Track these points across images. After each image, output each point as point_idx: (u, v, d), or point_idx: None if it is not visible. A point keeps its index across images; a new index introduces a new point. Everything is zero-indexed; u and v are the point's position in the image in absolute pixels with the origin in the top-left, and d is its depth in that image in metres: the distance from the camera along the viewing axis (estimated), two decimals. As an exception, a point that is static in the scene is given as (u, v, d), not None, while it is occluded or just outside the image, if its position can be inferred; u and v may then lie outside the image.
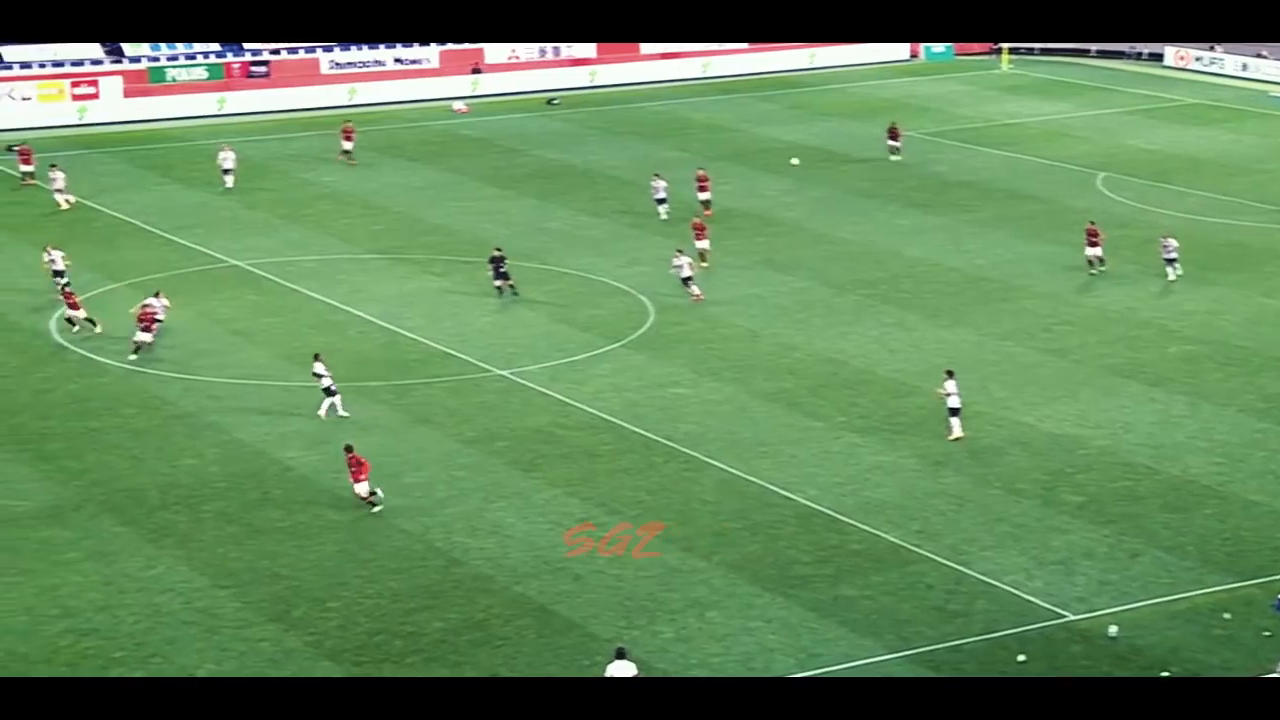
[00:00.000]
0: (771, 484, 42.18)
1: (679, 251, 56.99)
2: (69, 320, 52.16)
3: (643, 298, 57.14)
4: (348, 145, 76.35)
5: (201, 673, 33.06)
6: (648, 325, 54.56)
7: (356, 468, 40.31)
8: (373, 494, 40.32)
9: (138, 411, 46.61)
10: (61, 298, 52.90)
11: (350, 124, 77.99)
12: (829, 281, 59.36)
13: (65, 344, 52.07)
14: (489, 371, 50.15)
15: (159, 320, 51.31)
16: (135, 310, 51.22)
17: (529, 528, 39.66)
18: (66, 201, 67.55)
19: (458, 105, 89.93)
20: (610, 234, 65.38)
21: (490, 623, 35.20)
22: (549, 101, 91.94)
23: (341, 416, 45.70)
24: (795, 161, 68.06)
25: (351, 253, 63.01)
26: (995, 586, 36.85)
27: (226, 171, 71.69)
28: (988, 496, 41.53)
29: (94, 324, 52.32)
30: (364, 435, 44.99)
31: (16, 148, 73.86)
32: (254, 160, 76.16)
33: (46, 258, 56.28)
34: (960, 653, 34.03)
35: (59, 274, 55.59)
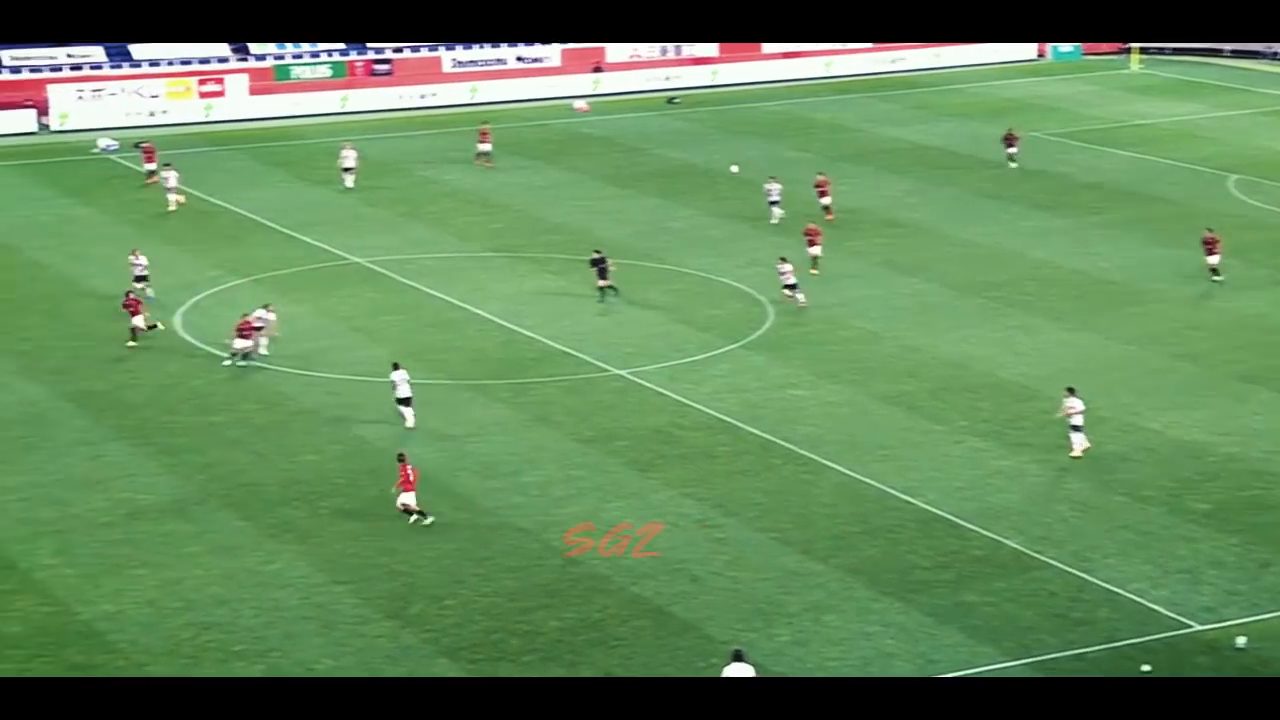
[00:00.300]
0: (891, 488, 41.96)
1: (782, 259, 56.54)
2: (133, 330, 51.66)
3: (762, 299, 57.05)
4: (485, 148, 76.03)
5: (319, 667, 33.46)
6: (767, 326, 54.48)
7: (405, 477, 39.81)
8: (419, 511, 39.45)
9: (259, 407, 47.21)
10: (125, 306, 52.16)
11: (487, 126, 77.73)
12: (951, 283, 58.94)
13: (190, 339, 52.89)
14: (607, 371, 50.31)
15: (257, 329, 50.86)
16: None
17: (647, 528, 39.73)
18: (177, 201, 68.00)
19: (579, 104, 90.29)
20: (730, 234, 65.34)
21: (607, 623, 35.31)
22: (670, 100, 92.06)
23: (408, 429, 45.16)
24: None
25: (471, 251, 63.48)
26: (1119, 595, 36.41)
27: (347, 170, 72.35)
28: (1112, 503, 41.03)
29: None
30: (482, 434, 45.35)
31: (142, 145, 75.07)
32: (375, 158, 76.91)
33: (133, 260, 56.17)
34: (1082, 661, 33.66)
35: (141, 278, 55.42)
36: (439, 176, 74.95)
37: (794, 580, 37.16)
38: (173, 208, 67.75)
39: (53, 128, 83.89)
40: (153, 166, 72.27)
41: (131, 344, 51.43)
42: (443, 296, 57.55)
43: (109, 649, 34.06)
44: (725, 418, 46.56)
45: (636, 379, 49.63)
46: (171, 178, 68.64)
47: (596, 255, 57.50)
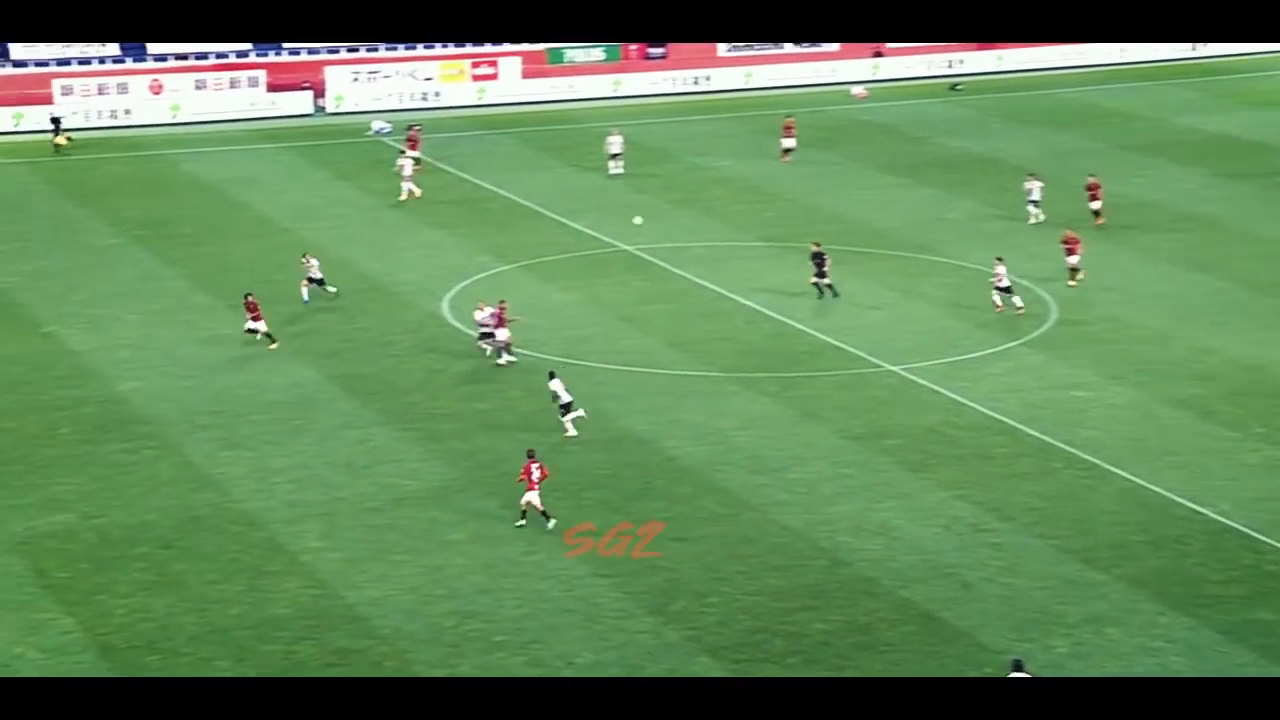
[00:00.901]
0: (1179, 496, 40.95)
1: (998, 260, 55.16)
2: (250, 331, 51.22)
3: (1044, 294, 56.12)
4: (789, 143, 74.88)
5: (580, 661, 33.93)
6: (1049, 324, 53.58)
7: (530, 476, 39.43)
8: (541, 512, 39.21)
9: (524, 395, 47.94)
10: (247, 309, 51.33)
11: (792, 120, 76.34)
12: (1250, 282, 57.24)
13: (457, 325, 53.98)
14: (879, 366, 50.01)
15: (506, 320, 50.95)
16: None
17: (917, 530, 39.43)
18: (410, 193, 68.60)
19: (857, 90, 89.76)
20: (1012, 227, 64.36)
21: (874, 626, 35.14)
22: (953, 87, 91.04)
23: (569, 435, 44.58)
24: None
25: (742, 240, 63.63)
26: None
27: (614, 156, 72.85)
28: None
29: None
30: (749, 428, 45.46)
31: (411, 129, 76.65)
32: (647, 144, 77.53)
33: (305, 262, 56.07)
34: (1386, 689, 32.40)
35: (316, 281, 55.37)
36: (710, 163, 75.23)
37: (1073, 590, 36.52)
38: (404, 197, 68.43)
39: (328, 110, 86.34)
40: (416, 154, 73.50)
41: (272, 345, 51.05)
42: (711, 286, 57.80)
43: (373, 634, 34.98)
44: (1002, 418, 45.93)
45: (910, 375, 49.24)
46: (406, 166, 69.36)
47: (815, 249, 56.67)
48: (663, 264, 60.45)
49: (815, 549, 38.59)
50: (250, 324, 51.38)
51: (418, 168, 71.63)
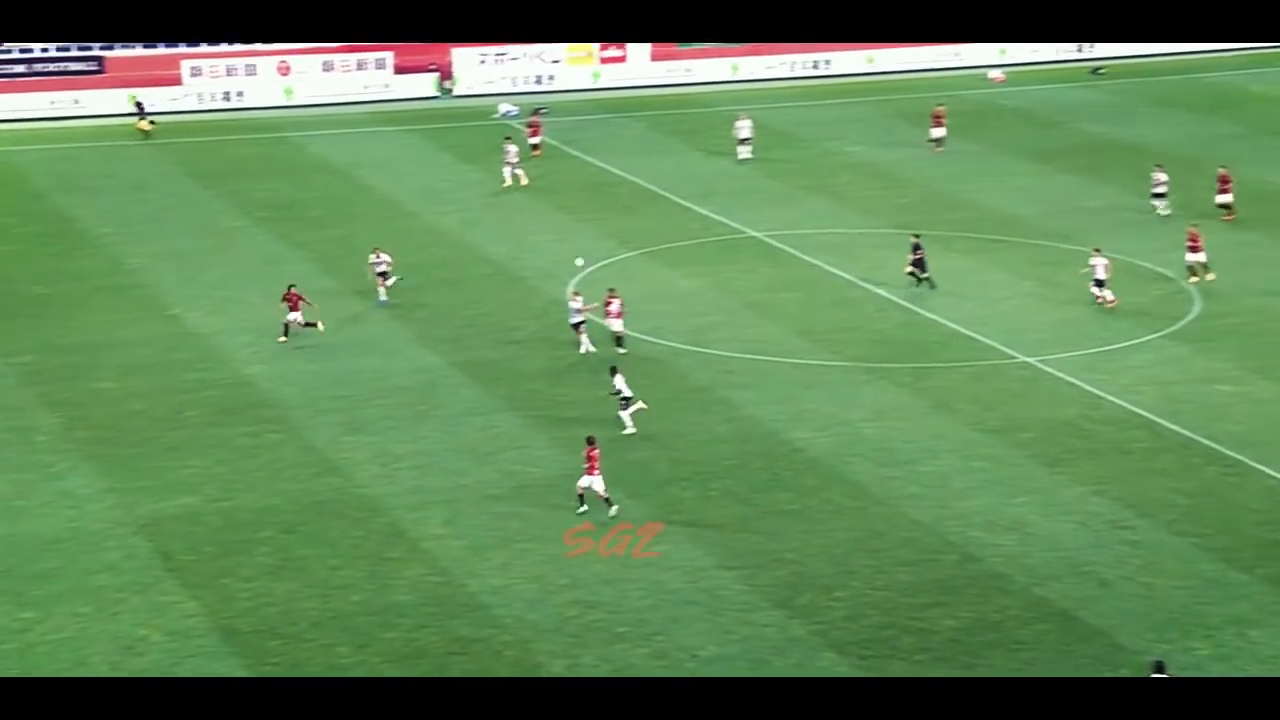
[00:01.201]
0: (1327, 496, 40.28)
1: (1096, 250, 54.28)
2: (286, 325, 50.94)
3: (1188, 285, 55.31)
4: (939, 132, 73.44)
5: (704, 654, 33.92)
6: (1192, 315, 52.81)
7: (590, 462, 39.57)
8: (605, 498, 39.32)
9: (652, 383, 47.92)
10: (285, 301, 51.06)
11: (941, 109, 74.89)
12: (1404, 274, 56.14)
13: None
14: (1014, 358, 49.54)
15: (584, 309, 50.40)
16: (601, 307, 50.44)
17: (1052, 526, 39.03)
18: (514, 177, 68.11)
19: (994, 74, 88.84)
20: (1155, 215, 63.46)
21: (1006, 624, 34.83)
22: (1094, 71, 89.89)
23: (629, 433, 44.20)
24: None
25: (873, 227, 63.27)
26: None
27: (743, 141, 72.64)
28: None
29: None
30: (879, 419, 45.20)
31: (537, 111, 76.83)
32: (775, 128, 77.28)
33: (373, 259, 55.52)
34: None
35: (384, 275, 54.98)
36: (840, 148, 74.85)
37: (1214, 590, 35.98)
38: (513, 182, 67.73)
39: (454, 92, 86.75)
40: (537, 140, 73.57)
41: (283, 339, 50.88)
42: (842, 274, 57.52)
43: (495, 624, 35.17)
44: (1142, 412, 45.34)
45: (1046, 367, 48.74)
46: (512, 151, 68.89)
47: (914, 239, 55.99)
48: (792, 251, 60.25)
49: (946, 544, 38.32)
50: (290, 315, 51.04)
51: (535, 153, 71.81)
